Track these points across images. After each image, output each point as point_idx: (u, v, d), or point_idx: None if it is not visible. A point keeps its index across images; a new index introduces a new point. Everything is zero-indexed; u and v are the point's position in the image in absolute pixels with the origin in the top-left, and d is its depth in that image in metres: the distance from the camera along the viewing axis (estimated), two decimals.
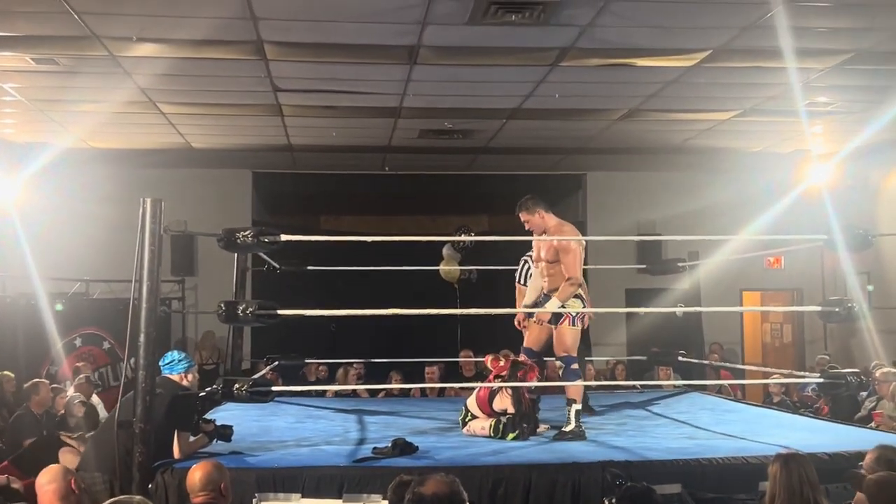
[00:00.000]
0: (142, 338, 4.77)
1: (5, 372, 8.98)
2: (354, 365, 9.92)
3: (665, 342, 9.78)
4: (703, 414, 7.05)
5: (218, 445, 5.27)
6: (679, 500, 4.55)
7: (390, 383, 9.37)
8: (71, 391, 8.64)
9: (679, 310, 7.92)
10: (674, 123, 10.35)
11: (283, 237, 5.24)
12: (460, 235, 10.55)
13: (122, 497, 3.64)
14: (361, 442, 5.72)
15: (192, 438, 5.15)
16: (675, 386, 9.03)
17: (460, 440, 5.87)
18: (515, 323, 6.55)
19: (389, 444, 5.10)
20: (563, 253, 6.00)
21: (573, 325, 6.01)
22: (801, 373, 9.34)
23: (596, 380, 9.96)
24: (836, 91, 8.89)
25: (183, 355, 5.53)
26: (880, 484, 3.66)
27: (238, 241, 5.19)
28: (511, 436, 5.81)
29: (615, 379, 10.68)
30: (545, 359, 6.51)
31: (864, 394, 8.64)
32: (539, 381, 6.07)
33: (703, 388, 8.88)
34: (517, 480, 4.65)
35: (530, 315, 6.28)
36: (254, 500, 4.44)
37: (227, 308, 5.25)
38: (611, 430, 6.26)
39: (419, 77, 8.28)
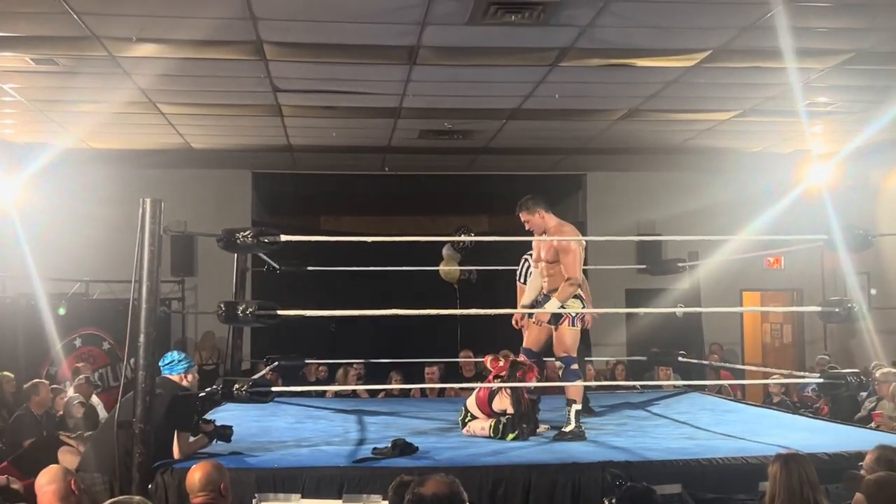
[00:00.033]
0: (141, 338, 4.77)
1: (5, 372, 8.98)
2: (354, 365, 9.92)
3: (665, 342, 9.78)
4: (703, 414, 7.05)
5: (218, 446, 5.27)
6: (679, 501, 4.55)
7: (390, 384, 9.37)
8: (71, 392, 8.64)
9: (679, 310, 7.93)
10: (674, 123, 10.35)
11: (283, 237, 5.24)
12: (460, 236, 10.56)
13: (121, 497, 3.65)
14: (361, 442, 5.72)
15: (191, 439, 5.15)
16: (675, 386, 9.03)
17: (460, 440, 5.87)
18: (513, 322, 6.56)
19: (389, 445, 5.10)
20: (562, 253, 6.00)
21: (573, 325, 6.01)
22: (801, 373, 9.33)
23: (596, 380, 9.96)
24: (836, 91, 8.89)
25: (183, 356, 5.53)
26: (879, 484, 3.65)
27: (238, 241, 5.19)
28: (511, 436, 5.81)
29: (615, 379, 10.68)
30: (545, 359, 6.51)
31: (864, 394, 8.64)
32: (538, 381, 6.07)
33: (702, 389, 8.89)
34: (517, 481, 4.65)
35: (530, 315, 6.28)
36: (253, 501, 4.44)
37: (226, 308, 5.25)
38: (611, 430, 6.26)
39: (419, 77, 8.28)
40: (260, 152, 11.94)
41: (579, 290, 6.02)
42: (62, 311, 10.52)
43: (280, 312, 5.22)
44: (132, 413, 4.72)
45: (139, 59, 7.69)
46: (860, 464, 4.41)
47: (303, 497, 4.49)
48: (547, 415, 6.36)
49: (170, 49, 7.42)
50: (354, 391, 9.33)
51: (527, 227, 6.21)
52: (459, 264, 10.82)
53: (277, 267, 8.39)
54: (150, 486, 4.61)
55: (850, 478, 4.21)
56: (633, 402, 7.84)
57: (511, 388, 5.93)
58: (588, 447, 5.51)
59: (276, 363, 8.73)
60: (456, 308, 9.59)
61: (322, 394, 8.90)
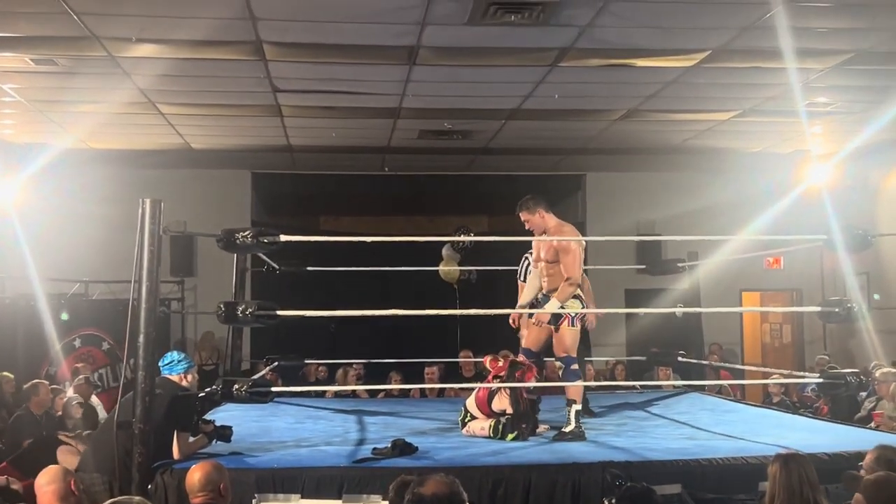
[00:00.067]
0: (141, 338, 4.76)
1: (5, 373, 8.97)
2: (354, 365, 9.91)
3: (665, 342, 9.78)
4: (702, 414, 7.05)
5: (217, 446, 5.26)
6: (679, 501, 4.54)
7: (390, 384, 9.36)
8: (70, 392, 8.63)
9: (679, 310, 7.92)
10: (673, 123, 10.35)
11: (283, 238, 5.24)
12: (460, 236, 10.55)
13: (121, 498, 3.65)
14: (361, 442, 5.72)
15: (191, 439, 5.15)
16: (674, 386, 9.03)
17: (460, 441, 5.87)
18: (510, 322, 6.56)
19: (389, 445, 5.10)
20: (562, 253, 6.00)
21: (572, 325, 6.01)
22: (801, 373, 9.33)
23: (596, 380, 9.96)
24: (836, 91, 8.89)
25: (182, 356, 5.52)
26: (878, 484, 3.65)
27: (237, 241, 5.19)
28: (511, 436, 5.81)
29: (615, 379, 10.67)
30: (545, 359, 6.51)
31: (864, 394, 8.64)
32: (537, 381, 6.07)
33: (702, 389, 8.89)
34: (517, 481, 4.65)
35: (530, 315, 6.27)
36: (253, 501, 4.42)
37: (226, 309, 5.25)
38: (611, 430, 6.26)
39: (418, 77, 8.28)
40: (259, 152, 11.94)
41: (579, 291, 6.02)
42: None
43: (280, 313, 5.22)
44: (132, 413, 4.71)
45: (139, 60, 7.69)
46: (860, 464, 4.40)
47: (302, 497, 4.49)
48: (547, 415, 6.35)
49: (169, 49, 7.42)
50: (354, 391, 9.32)
51: (527, 227, 6.22)
52: (459, 264, 10.81)
53: (277, 267, 8.39)
54: (149, 486, 4.61)
55: (848, 478, 4.21)
56: (632, 403, 7.83)
57: (510, 388, 5.93)
58: (588, 447, 5.51)
59: (276, 363, 8.73)
60: (456, 308, 9.59)
61: (322, 394, 8.90)
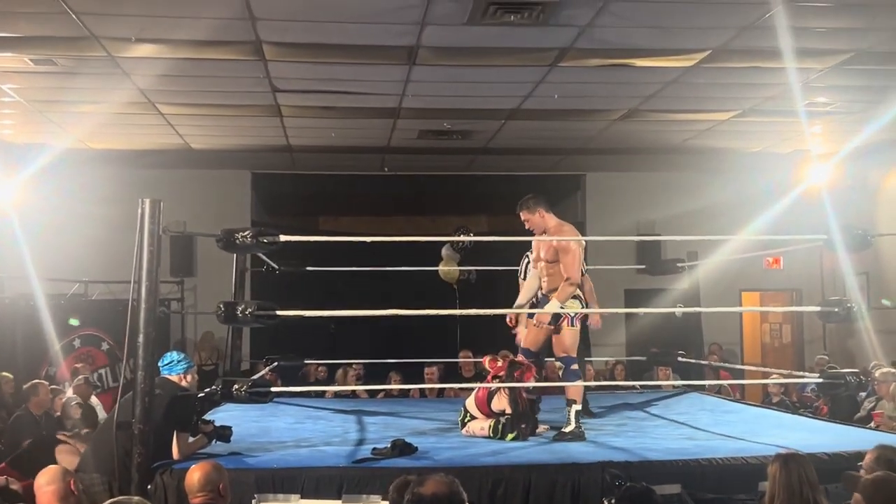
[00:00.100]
0: (141, 338, 4.76)
1: (4, 373, 8.97)
2: (354, 366, 9.92)
3: (664, 342, 9.78)
4: (702, 414, 7.05)
5: (217, 446, 5.26)
6: (679, 501, 4.54)
7: (390, 384, 9.36)
8: (70, 392, 8.63)
9: (678, 310, 7.93)
10: (673, 123, 10.35)
11: (282, 238, 5.24)
12: (459, 236, 10.54)
13: (121, 498, 3.64)
14: (361, 443, 5.72)
15: (191, 439, 5.14)
16: (674, 386, 9.03)
17: (459, 441, 5.87)
18: (508, 321, 6.56)
19: (389, 445, 5.10)
20: (562, 253, 6.00)
21: (572, 325, 6.01)
22: (801, 373, 9.34)
23: (595, 380, 9.95)
24: (836, 91, 8.89)
25: (182, 356, 5.52)
26: (876, 484, 3.65)
27: (237, 241, 5.18)
28: (510, 436, 5.81)
29: (615, 379, 10.67)
30: (545, 359, 6.51)
31: (864, 394, 8.64)
32: (537, 381, 6.07)
33: (702, 389, 8.89)
34: (517, 481, 4.65)
35: (530, 315, 6.27)
36: (253, 501, 4.42)
37: (226, 309, 5.25)
38: (610, 430, 6.26)
39: (418, 77, 8.28)
40: (259, 152, 11.94)
41: (578, 291, 6.02)
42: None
43: (279, 313, 5.22)
44: (131, 413, 4.71)
45: (138, 60, 7.69)
46: (860, 464, 4.40)
47: (302, 497, 4.48)
48: (547, 415, 6.35)
49: (169, 49, 7.42)
50: (354, 391, 9.32)
51: (527, 227, 6.22)
52: (459, 264, 10.81)
53: (276, 267, 8.39)
54: (149, 486, 4.61)
55: (847, 478, 4.21)
56: (632, 403, 7.83)
57: (509, 388, 5.93)
58: (588, 447, 5.51)
59: (276, 363, 8.73)
60: (455, 308, 9.58)
61: (321, 394, 8.90)
